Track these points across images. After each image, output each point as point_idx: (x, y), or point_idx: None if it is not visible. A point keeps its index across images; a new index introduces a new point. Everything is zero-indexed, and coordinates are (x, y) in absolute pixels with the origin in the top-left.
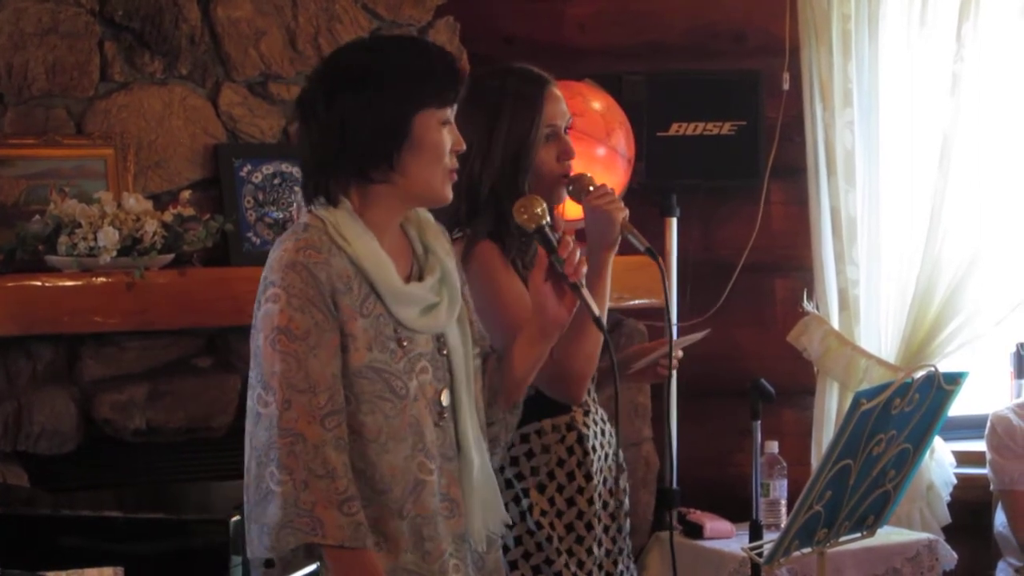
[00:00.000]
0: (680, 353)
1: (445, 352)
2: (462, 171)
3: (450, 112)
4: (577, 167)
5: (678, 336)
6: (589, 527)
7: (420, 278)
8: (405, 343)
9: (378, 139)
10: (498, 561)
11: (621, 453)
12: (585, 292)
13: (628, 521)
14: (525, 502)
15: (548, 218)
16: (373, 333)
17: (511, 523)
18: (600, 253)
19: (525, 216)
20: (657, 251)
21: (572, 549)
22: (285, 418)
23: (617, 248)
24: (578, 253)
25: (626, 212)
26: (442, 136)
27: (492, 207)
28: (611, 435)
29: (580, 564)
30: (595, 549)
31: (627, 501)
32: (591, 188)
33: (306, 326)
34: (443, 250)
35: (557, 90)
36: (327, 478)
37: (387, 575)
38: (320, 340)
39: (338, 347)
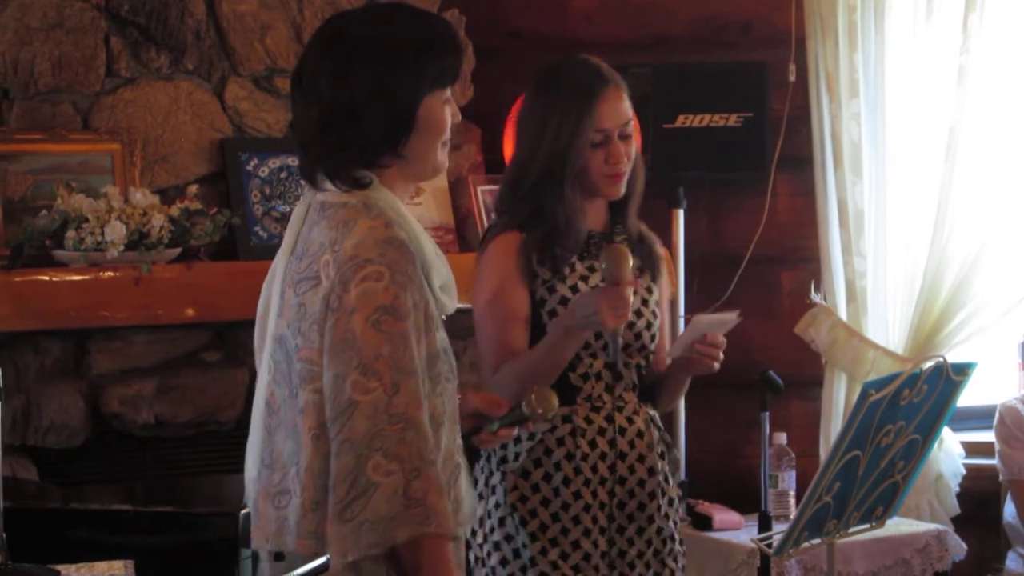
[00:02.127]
0: (722, 340)
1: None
2: (515, 158)
3: (451, 90)
4: None
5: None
6: (577, 521)
7: None
8: (444, 319)
9: (387, 126)
10: None
11: (656, 455)
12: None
13: (662, 524)
14: (505, 484)
15: (541, 419)
16: (437, 312)
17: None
18: (571, 328)
19: (534, 400)
20: (664, 243)
21: (557, 539)
22: (395, 403)
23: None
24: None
25: (623, 323)
26: (445, 115)
27: (532, 199)
28: (640, 435)
29: (564, 555)
30: (584, 544)
31: (653, 504)
32: (619, 281)
33: (408, 305)
34: None
35: (617, 92)
36: (435, 465)
37: None
38: (418, 321)
39: (423, 329)
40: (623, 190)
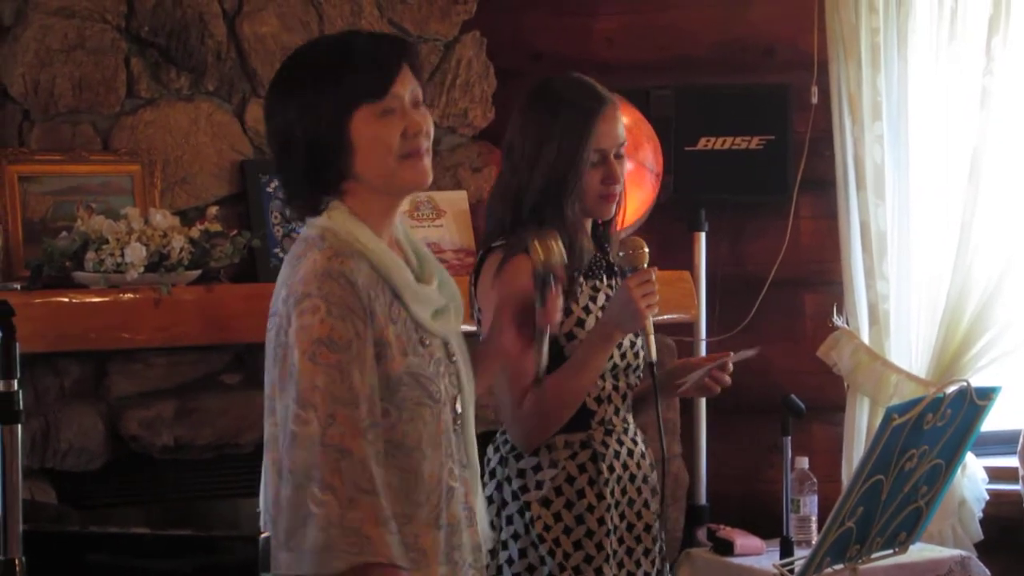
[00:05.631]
0: (730, 367)
1: (455, 359)
2: (512, 178)
3: (391, 99)
4: None
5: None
6: (600, 547)
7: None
8: (427, 343)
9: (326, 151)
10: None
11: (655, 476)
12: (544, 344)
13: (659, 545)
14: (528, 515)
15: (557, 267)
16: (405, 338)
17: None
18: (614, 331)
19: (540, 256)
20: (685, 266)
21: (579, 567)
22: (329, 434)
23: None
24: (559, 311)
25: (656, 310)
26: (382, 128)
27: (534, 220)
28: (643, 456)
29: None
30: (606, 571)
31: (657, 525)
32: (641, 266)
33: (348, 336)
34: (435, 259)
35: (614, 111)
36: (373, 494)
37: None
38: (361, 350)
39: (374, 357)
40: (614, 210)
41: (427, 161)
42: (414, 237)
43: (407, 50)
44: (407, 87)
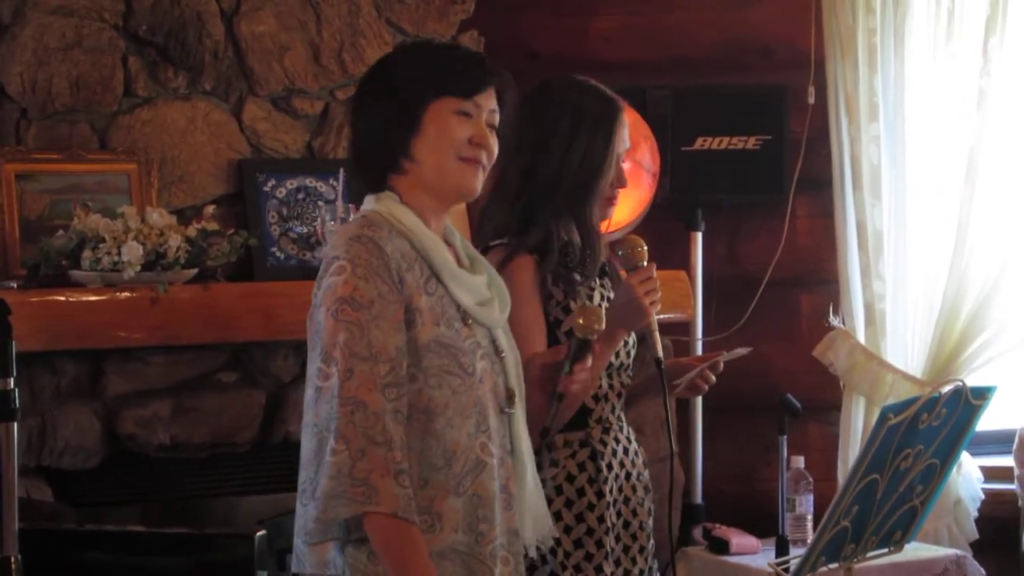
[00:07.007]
0: (721, 367)
1: (503, 355)
2: (523, 180)
3: (472, 105)
4: None
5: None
6: (600, 545)
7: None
8: (470, 322)
9: (393, 128)
10: None
11: (647, 474)
12: (558, 406)
13: (652, 542)
14: None
15: (595, 336)
16: (439, 310)
17: (557, 536)
18: (618, 330)
19: (582, 322)
20: (682, 266)
21: (580, 565)
22: (346, 387)
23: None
24: (582, 380)
25: (659, 307)
26: (454, 124)
27: (546, 223)
28: (636, 454)
29: None
30: (605, 568)
31: (650, 521)
32: (641, 264)
33: (370, 296)
34: (487, 264)
35: (625, 115)
36: (384, 446)
37: (435, 556)
38: (383, 310)
39: (402, 321)
40: (611, 212)
41: (480, 175)
42: (469, 244)
43: (502, 78)
44: (489, 105)
